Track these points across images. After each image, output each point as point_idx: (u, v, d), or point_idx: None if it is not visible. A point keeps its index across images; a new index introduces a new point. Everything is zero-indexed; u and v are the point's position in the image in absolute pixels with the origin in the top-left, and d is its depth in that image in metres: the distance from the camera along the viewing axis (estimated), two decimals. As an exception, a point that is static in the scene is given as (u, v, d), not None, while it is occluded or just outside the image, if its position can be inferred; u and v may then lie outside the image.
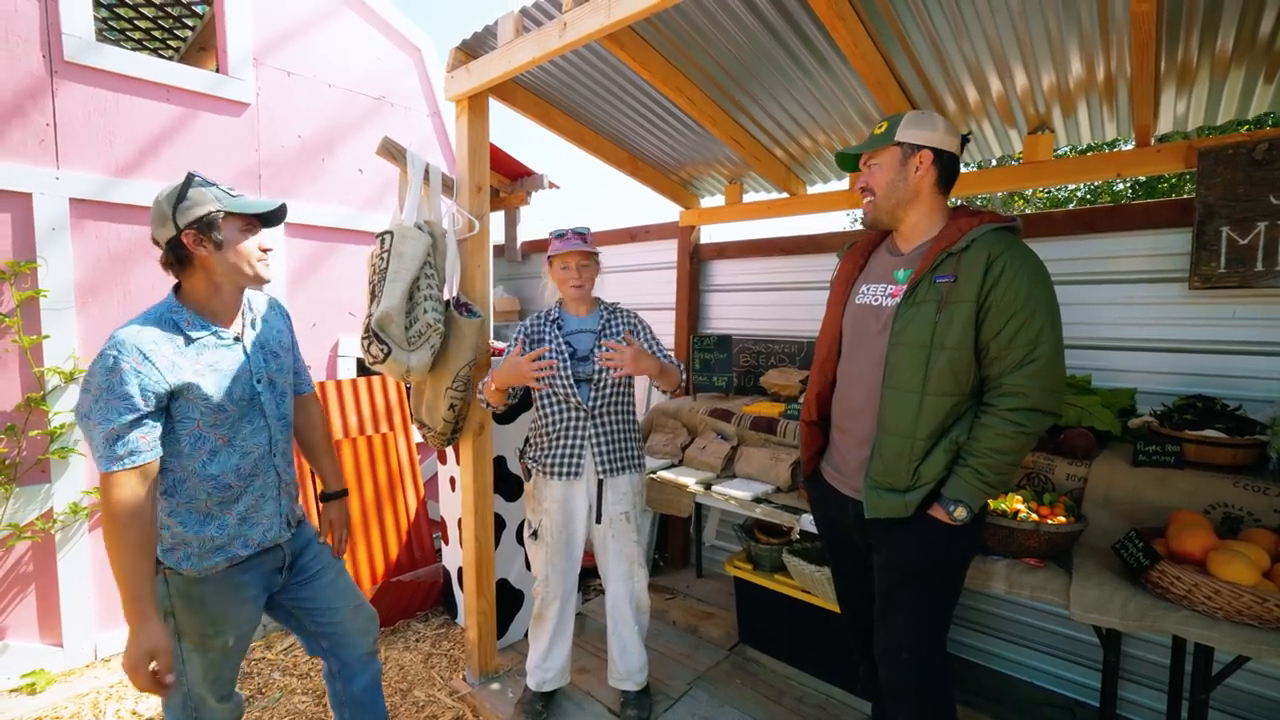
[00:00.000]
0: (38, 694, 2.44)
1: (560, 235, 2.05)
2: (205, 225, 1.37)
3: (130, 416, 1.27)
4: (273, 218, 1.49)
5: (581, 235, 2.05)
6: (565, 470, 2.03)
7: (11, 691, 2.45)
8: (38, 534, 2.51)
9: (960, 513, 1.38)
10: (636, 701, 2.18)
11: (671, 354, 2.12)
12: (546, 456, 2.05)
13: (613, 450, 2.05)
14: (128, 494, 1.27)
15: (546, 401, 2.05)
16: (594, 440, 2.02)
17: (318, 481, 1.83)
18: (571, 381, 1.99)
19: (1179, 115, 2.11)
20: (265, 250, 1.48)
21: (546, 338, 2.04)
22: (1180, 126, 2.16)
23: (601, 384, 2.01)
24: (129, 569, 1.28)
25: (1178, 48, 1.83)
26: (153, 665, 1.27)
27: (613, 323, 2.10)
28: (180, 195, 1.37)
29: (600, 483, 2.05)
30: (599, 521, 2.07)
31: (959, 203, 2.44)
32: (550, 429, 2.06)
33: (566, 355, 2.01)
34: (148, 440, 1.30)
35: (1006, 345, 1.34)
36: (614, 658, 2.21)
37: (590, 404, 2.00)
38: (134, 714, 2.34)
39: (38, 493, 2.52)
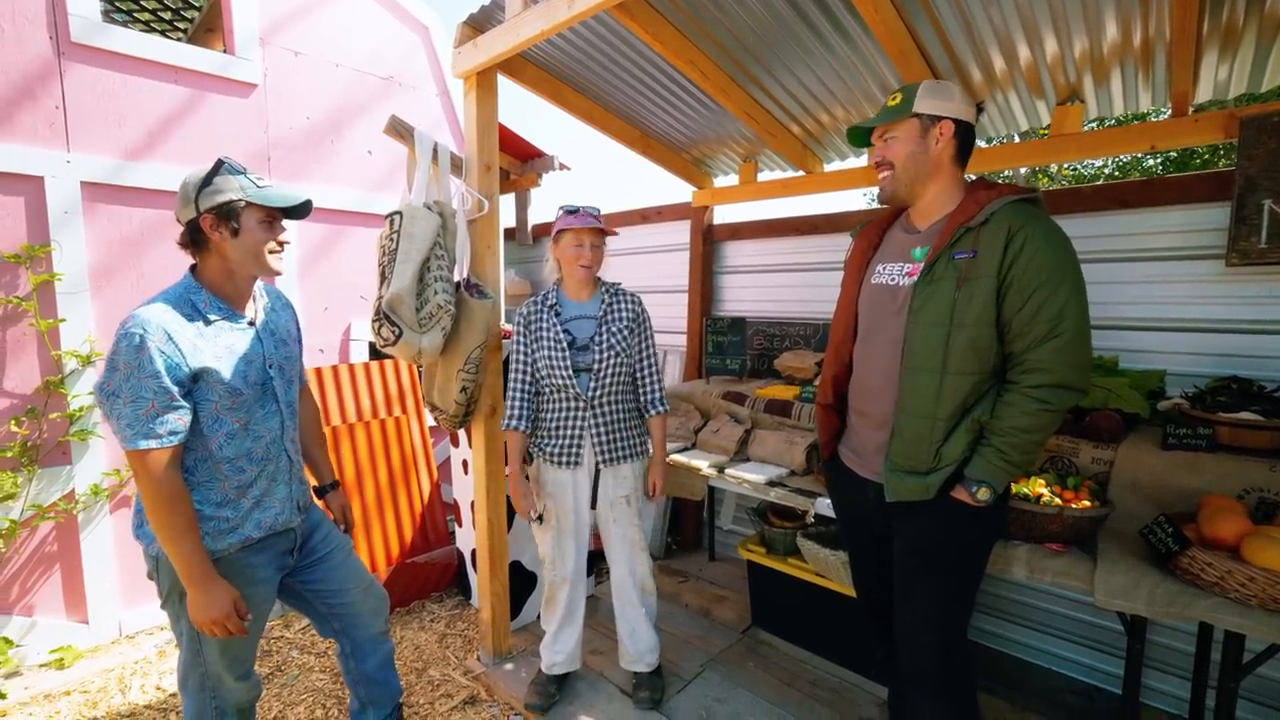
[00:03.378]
0: (66, 669, 2.51)
1: (573, 211, 2.00)
2: (225, 212, 1.38)
3: (166, 395, 1.29)
4: (296, 212, 1.49)
5: (596, 216, 2.01)
6: (565, 459, 2.01)
7: (41, 666, 2.52)
8: (60, 514, 2.56)
9: (983, 493, 1.34)
10: (649, 683, 2.18)
11: (658, 360, 2.12)
12: (547, 444, 2.04)
13: (612, 439, 2.03)
14: (169, 472, 1.31)
15: (549, 390, 2.02)
16: (593, 430, 2.00)
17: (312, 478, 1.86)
18: (570, 372, 1.95)
19: (1220, 82, 2.01)
20: (281, 244, 1.48)
21: (544, 326, 2.00)
22: (1220, 94, 2.05)
23: (601, 374, 1.97)
24: (187, 543, 1.33)
25: (1223, 8, 1.72)
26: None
27: (615, 308, 2.04)
28: (206, 180, 1.38)
29: (598, 470, 2.04)
30: (593, 507, 2.07)
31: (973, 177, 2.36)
32: (551, 417, 2.04)
33: (565, 345, 1.97)
34: (184, 422, 1.33)
35: (1030, 321, 1.29)
36: (623, 640, 2.21)
37: (589, 394, 1.97)
38: (159, 688, 2.39)
39: (59, 474, 2.56)
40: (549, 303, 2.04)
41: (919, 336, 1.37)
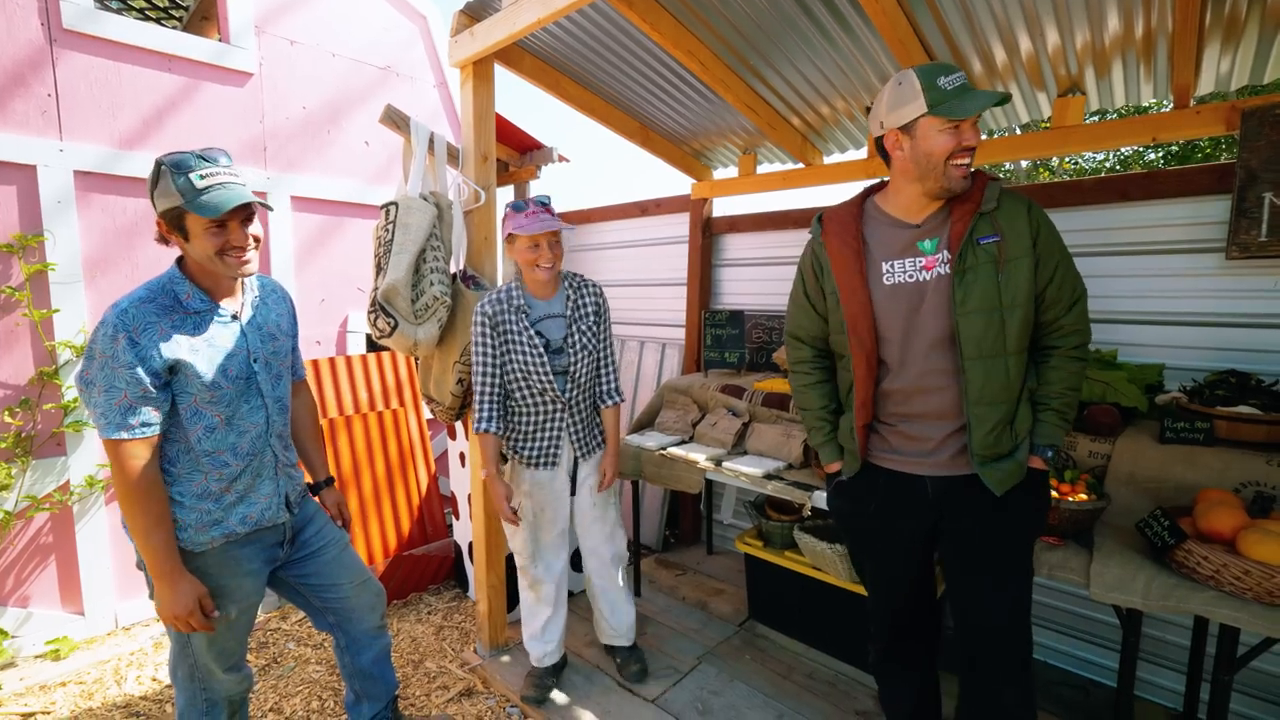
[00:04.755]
0: (61, 660, 2.51)
1: (520, 208, 1.85)
2: (170, 219, 1.32)
3: (139, 387, 1.27)
4: (249, 207, 1.36)
5: (547, 207, 1.86)
6: (545, 461, 1.99)
7: (37, 657, 2.52)
8: (55, 506, 2.55)
9: (1052, 455, 1.44)
10: (634, 655, 2.25)
11: (615, 350, 2.13)
12: (524, 448, 1.99)
13: (586, 434, 2.05)
14: (143, 464, 1.29)
15: (522, 393, 1.95)
16: (570, 429, 2.00)
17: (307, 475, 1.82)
18: (550, 378, 1.90)
19: (1222, 74, 1.99)
20: (239, 246, 1.35)
21: (514, 328, 1.90)
22: (1222, 86, 2.04)
23: (576, 375, 1.95)
24: (156, 537, 1.31)
25: (1225, 0, 1.71)
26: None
27: (581, 304, 1.99)
28: (152, 184, 1.32)
29: (576, 463, 2.05)
30: (573, 494, 2.08)
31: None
32: (527, 421, 1.98)
33: (541, 349, 1.90)
34: (159, 414, 1.31)
35: (1058, 289, 1.40)
36: (606, 617, 2.22)
37: (567, 395, 1.96)
38: (154, 679, 2.39)
39: (54, 465, 2.55)
40: (515, 303, 1.91)
41: (974, 325, 1.36)
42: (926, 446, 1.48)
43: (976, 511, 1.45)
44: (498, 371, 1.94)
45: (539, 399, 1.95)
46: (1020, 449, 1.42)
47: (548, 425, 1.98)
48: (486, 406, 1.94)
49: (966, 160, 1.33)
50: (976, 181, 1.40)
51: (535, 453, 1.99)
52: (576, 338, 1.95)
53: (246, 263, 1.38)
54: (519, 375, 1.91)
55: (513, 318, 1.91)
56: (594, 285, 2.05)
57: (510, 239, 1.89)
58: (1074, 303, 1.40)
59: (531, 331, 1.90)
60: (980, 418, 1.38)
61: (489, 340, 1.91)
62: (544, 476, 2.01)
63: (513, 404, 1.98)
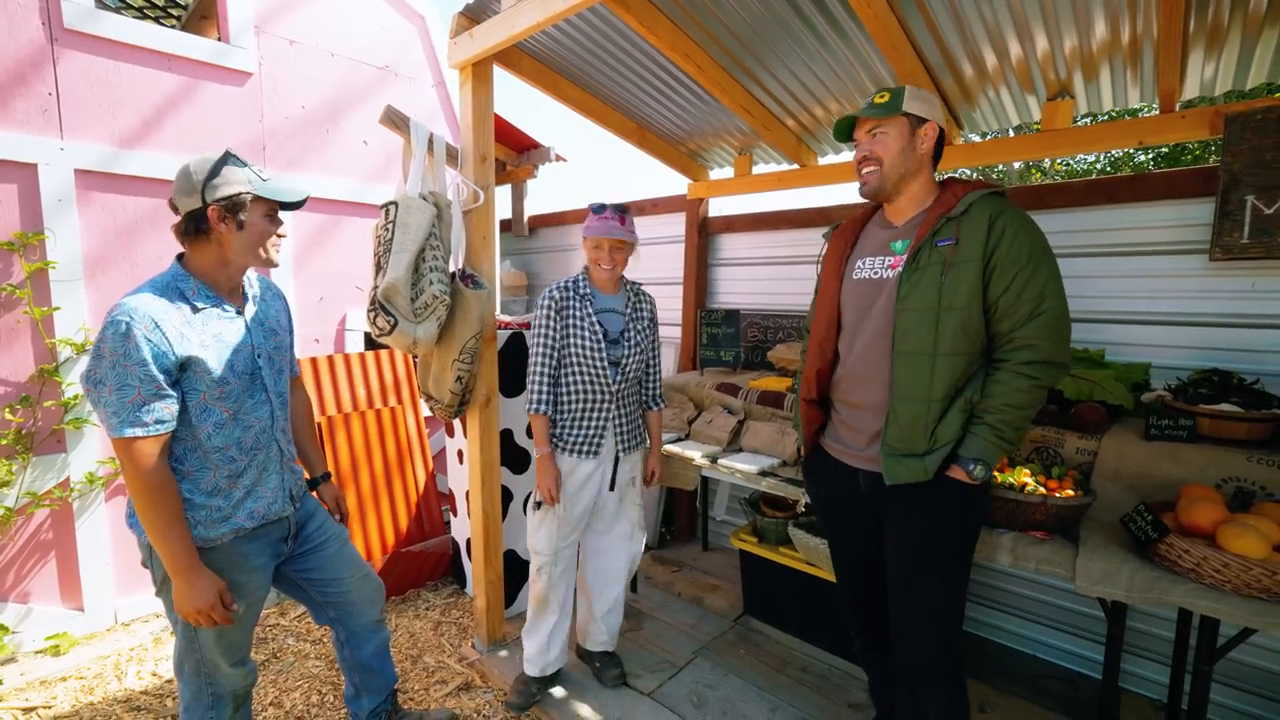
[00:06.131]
0: (61, 655, 2.52)
1: (598, 211, 1.98)
2: (232, 205, 1.39)
3: (152, 384, 1.28)
4: (296, 205, 1.53)
5: (622, 215, 1.98)
6: (586, 449, 2.03)
7: (37, 653, 2.53)
8: (55, 502, 2.57)
9: (979, 471, 1.40)
10: (612, 660, 2.26)
11: (660, 363, 2.24)
12: (568, 435, 2.03)
13: (630, 429, 2.11)
14: (155, 461, 1.30)
15: (573, 380, 2.01)
16: (615, 421, 2.06)
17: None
18: (606, 364, 1.98)
19: (1206, 79, 2.04)
20: (280, 236, 1.50)
21: (576, 313, 1.99)
22: (1207, 91, 2.08)
23: (626, 368, 2.03)
24: (173, 533, 1.33)
25: (1208, 7, 1.75)
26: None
27: (638, 308, 2.11)
28: (214, 171, 1.38)
29: (617, 458, 2.09)
30: (611, 489, 2.11)
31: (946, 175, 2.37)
32: (573, 408, 2.03)
33: (601, 336, 1.98)
34: (171, 411, 1.33)
35: (1015, 300, 1.36)
36: (597, 620, 2.22)
37: (616, 386, 2.02)
38: (154, 674, 2.41)
39: (54, 462, 2.57)
40: (581, 291, 2.02)
41: (908, 322, 1.41)
42: (860, 440, 1.56)
43: (894, 514, 1.51)
44: (555, 354, 2.01)
45: (589, 386, 2.01)
46: (934, 454, 1.41)
47: (594, 413, 2.03)
48: (544, 388, 2.01)
49: (865, 169, 1.50)
50: (953, 188, 1.46)
51: (578, 439, 2.02)
52: (632, 334, 2.06)
53: (280, 251, 1.52)
54: (575, 359, 1.99)
55: (576, 303, 2.01)
56: (650, 297, 2.18)
57: (584, 235, 2.02)
58: (1034, 315, 1.35)
59: (594, 318, 2.00)
60: (896, 411, 1.43)
61: (552, 323, 2.00)
62: (586, 467, 2.03)
63: (562, 390, 2.04)
